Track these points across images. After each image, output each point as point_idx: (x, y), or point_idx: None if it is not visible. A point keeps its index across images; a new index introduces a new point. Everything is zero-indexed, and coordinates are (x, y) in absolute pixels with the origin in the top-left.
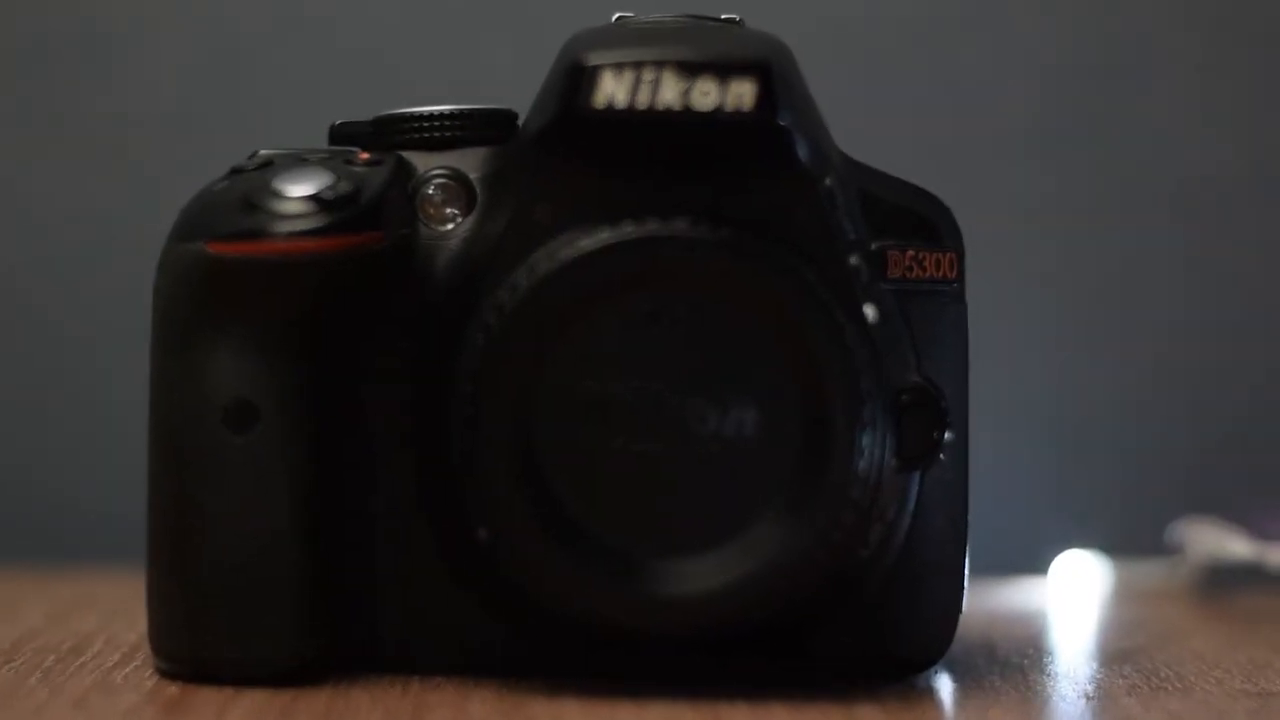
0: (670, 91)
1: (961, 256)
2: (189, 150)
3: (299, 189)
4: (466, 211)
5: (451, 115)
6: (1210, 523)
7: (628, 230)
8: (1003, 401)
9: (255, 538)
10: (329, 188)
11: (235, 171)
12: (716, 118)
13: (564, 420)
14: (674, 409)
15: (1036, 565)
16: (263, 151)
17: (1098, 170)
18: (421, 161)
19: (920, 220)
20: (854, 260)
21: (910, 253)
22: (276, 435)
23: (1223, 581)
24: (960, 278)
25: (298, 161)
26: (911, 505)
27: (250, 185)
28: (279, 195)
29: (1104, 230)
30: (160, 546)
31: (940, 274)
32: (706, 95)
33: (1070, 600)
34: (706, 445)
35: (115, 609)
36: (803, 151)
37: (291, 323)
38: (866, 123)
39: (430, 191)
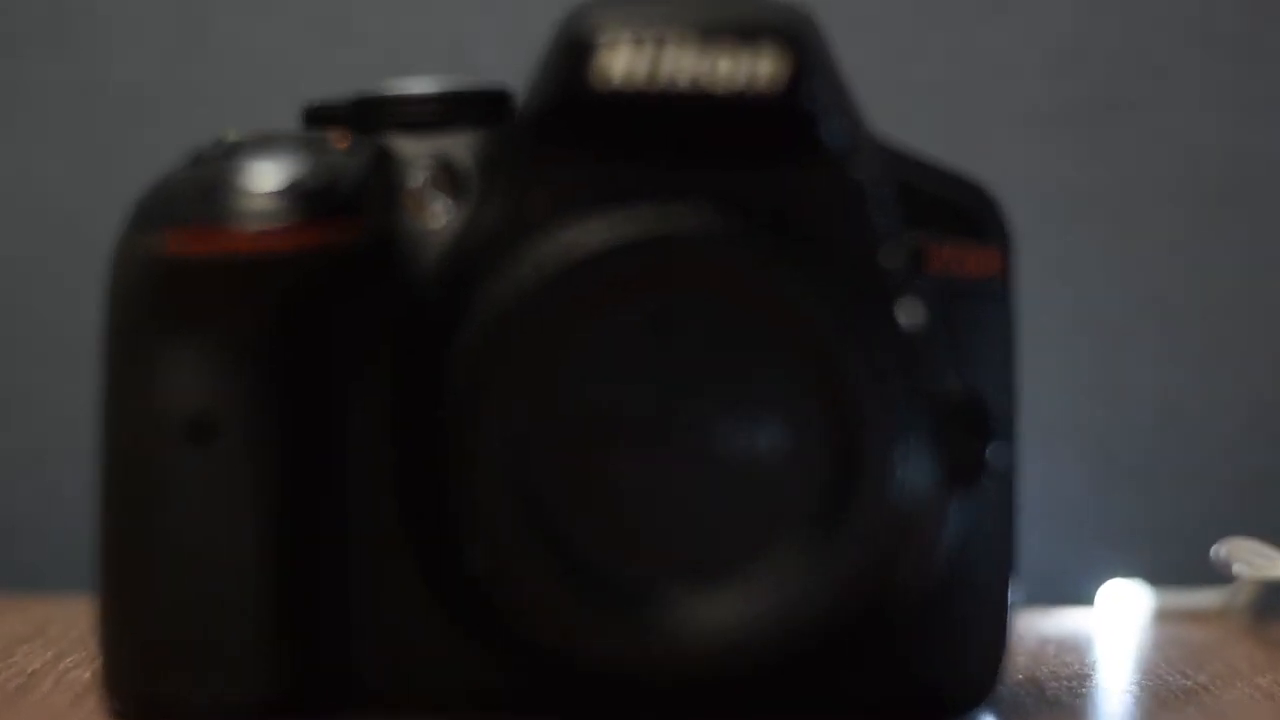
0: (685, 71)
1: (1010, 252)
2: (153, 131)
3: (269, 179)
4: (456, 203)
5: (440, 96)
6: (1256, 544)
7: (637, 226)
8: (1037, 418)
9: (217, 564)
10: (303, 177)
11: (198, 158)
12: (737, 99)
13: (567, 436)
14: (689, 424)
15: (1080, 594)
16: (229, 135)
17: (1146, 157)
18: (406, 147)
19: (962, 212)
20: (887, 257)
21: (951, 248)
22: (241, 451)
23: (1273, 605)
24: (1008, 276)
25: (268, 147)
26: (953, 530)
27: (214, 175)
28: (246, 187)
29: (1151, 227)
30: (112, 574)
31: (985, 272)
32: (726, 74)
33: (1119, 632)
34: (725, 465)
35: (67, 644)
36: (833, 135)
37: (259, 328)
38: (885, 103)
39: (416, 181)
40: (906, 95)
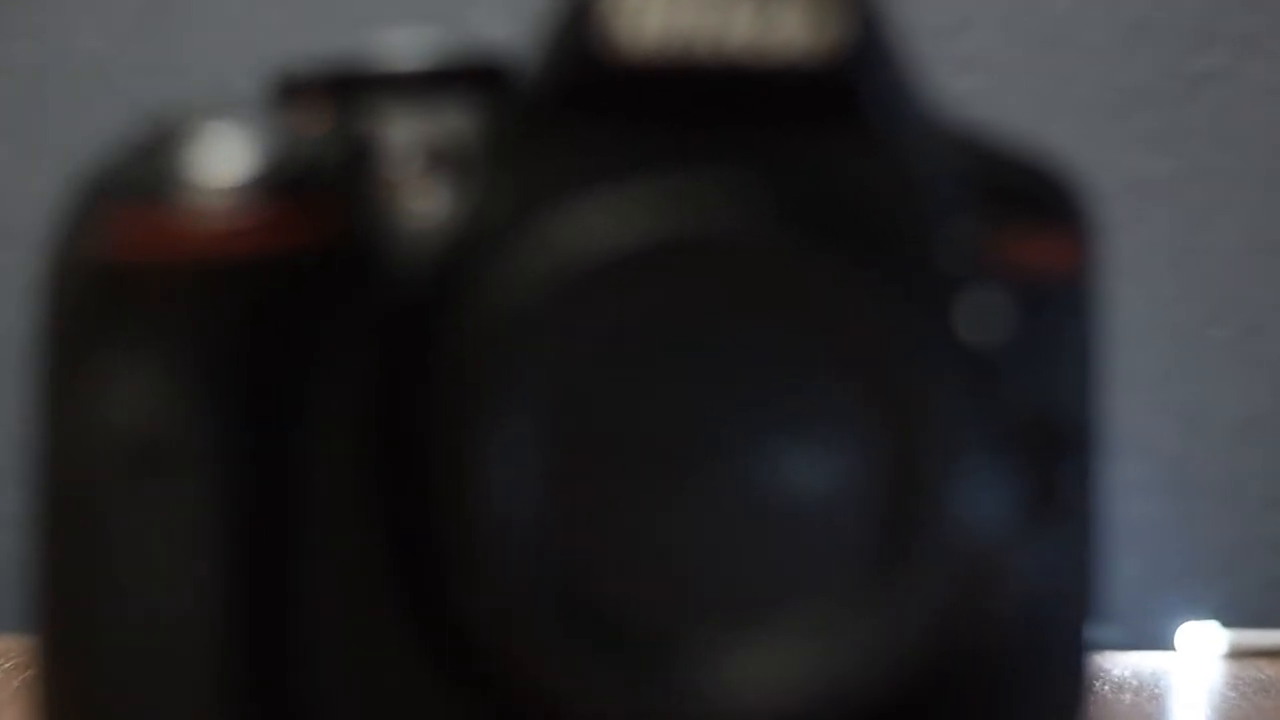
0: (717, 33)
1: (1091, 245)
2: (105, 104)
3: (232, 167)
4: (451, 192)
5: (431, 67)
6: None
7: (666, 219)
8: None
9: (169, 614)
10: (273, 164)
11: (144, 139)
12: (793, 68)
13: (581, 463)
14: (724, 451)
15: (1156, 636)
16: (182, 110)
17: (1225, 141)
18: (396, 125)
19: (1036, 199)
20: (949, 253)
21: (1023, 241)
22: (197, 485)
23: None
24: (1089, 272)
25: (228, 127)
26: (1027, 570)
27: (165, 162)
28: (205, 176)
29: (1230, 219)
30: (49, 625)
31: (1062, 268)
32: (764, 36)
33: (1202, 679)
34: (762, 497)
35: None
36: (892, 113)
37: (220, 344)
38: (940, 77)
39: (408, 165)
40: (963, 70)
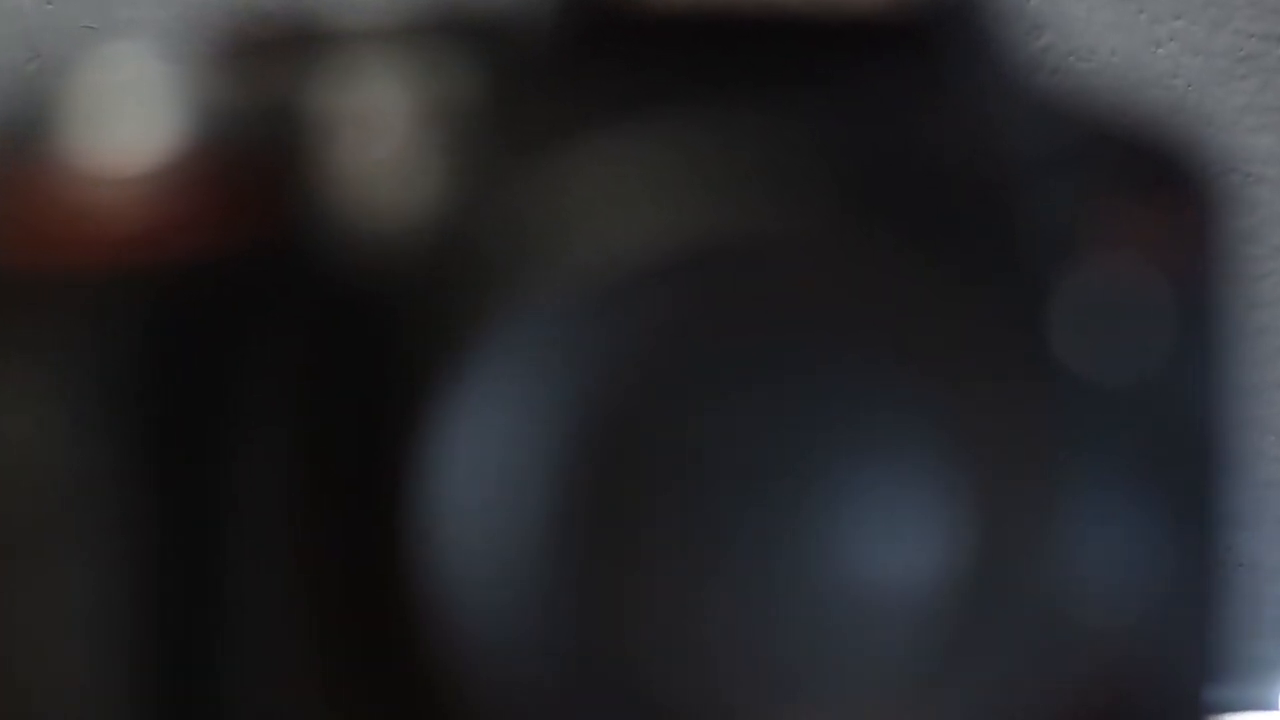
0: None
1: (1221, 224)
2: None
3: (124, 140)
4: (424, 175)
5: (402, 18)
6: None
7: (694, 212)
8: None
9: (51, 677)
10: (194, 141)
11: (24, 106)
12: (842, 15)
13: (595, 510)
14: (765, 493)
15: (1264, 698)
16: (81, 67)
17: None
18: (344, 92)
19: (1152, 170)
20: (1048, 246)
21: (1136, 222)
22: (85, 525)
23: None
24: (1217, 256)
25: (140, 92)
26: (1150, 623)
27: (30, 134)
28: (95, 159)
29: None
30: None
31: (1186, 252)
32: None
33: None
34: (816, 556)
35: None
36: (972, 69)
37: (116, 370)
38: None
39: (378, 140)
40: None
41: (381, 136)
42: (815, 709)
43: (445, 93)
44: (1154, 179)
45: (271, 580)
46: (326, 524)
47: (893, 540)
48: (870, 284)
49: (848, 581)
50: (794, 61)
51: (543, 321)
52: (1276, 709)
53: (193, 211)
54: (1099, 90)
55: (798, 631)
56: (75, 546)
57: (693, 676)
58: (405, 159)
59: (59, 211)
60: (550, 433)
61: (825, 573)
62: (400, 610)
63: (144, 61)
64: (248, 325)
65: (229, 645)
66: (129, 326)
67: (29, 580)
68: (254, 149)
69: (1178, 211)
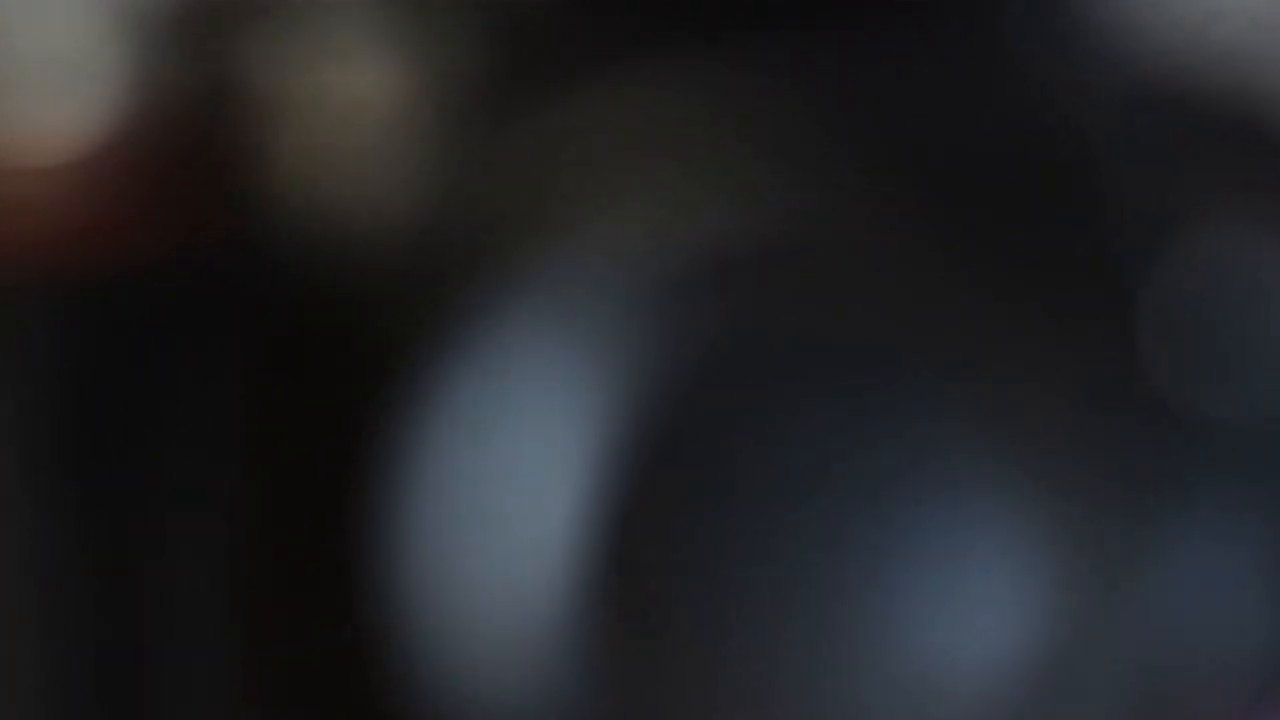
0: None
1: None
2: None
3: (61, 131)
4: (394, 163)
5: None
6: None
7: (732, 198)
8: None
9: None
10: (125, 130)
11: None
12: None
13: (611, 554)
14: (835, 569)
15: None
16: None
17: None
18: (307, 67)
19: (1260, 147)
20: (1139, 240)
21: (1242, 208)
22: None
23: None
24: None
25: (66, 71)
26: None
27: None
28: (15, 145)
29: None
30: None
31: None
32: None
33: None
34: (884, 621)
35: None
36: (1042, 31)
37: (27, 378)
38: None
39: (315, 123)
40: None
41: (351, 116)
42: None
43: (424, 66)
44: (1264, 157)
45: (204, 595)
46: (278, 533)
47: (963, 604)
48: (925, 291)
49: (909, 647)
50: (828, 14)
51: (537, 317)
52: None
53: (127, 204)
54: (1197, 52)
55: (850, 683)
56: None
57: None
58: (378, 141)
59: None
60: (550, 435)
61: (882, 630)
62: (359, 637)
63: (76, 31)
64: (185, 329)
65: (166, 657)
66: (50, 331)
67: None
68: (200, 131)
69: None
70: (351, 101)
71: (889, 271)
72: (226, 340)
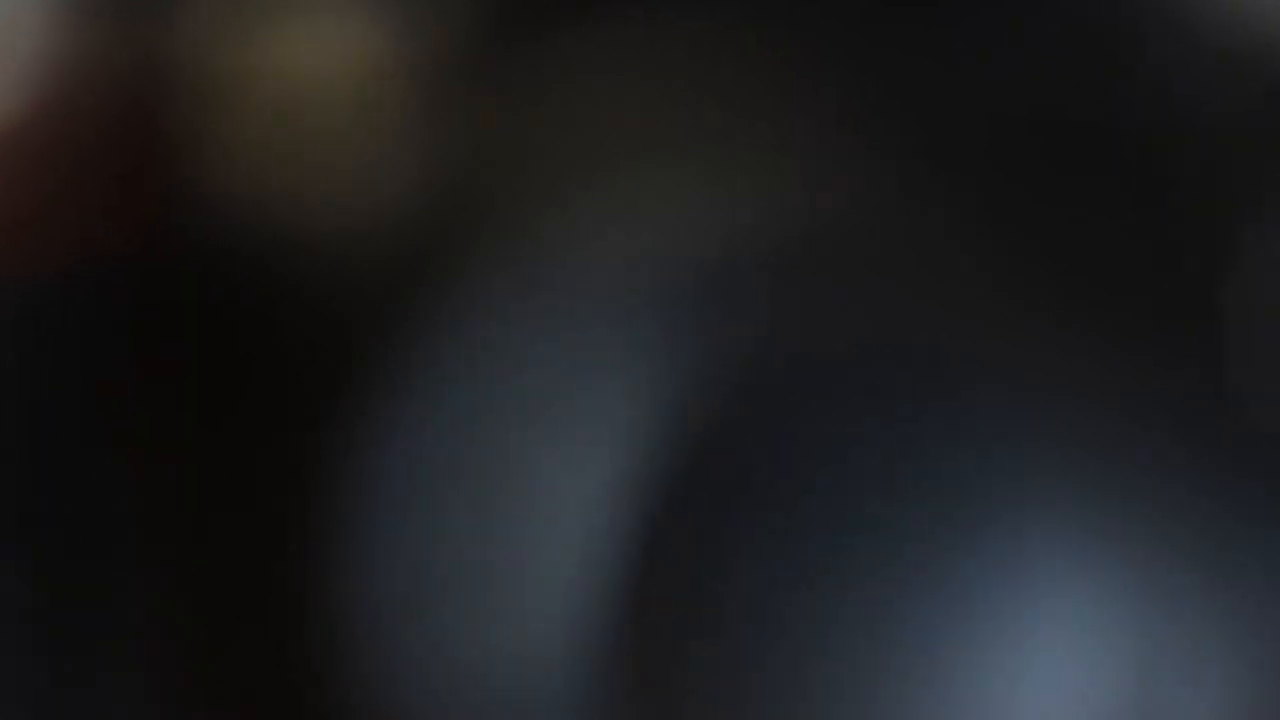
0: None
1: None
2: None
3: None
4: (382, 153)
5: None
6: None
7: (737, 208)
8: None
9: None
10: (48, 102)
11: None
12: None
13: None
14: (859, 606)
15: None
16: None
17: None
18: (285, 48)
19: None
20: (1240, 248)
21: None
22: None
23: None
24: None
25: None
26: None
27: None
28: None
29: None
30: None
31: None
32: None
33: None
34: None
35: None
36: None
37: None
38: None
39: (294, 111)
40: None
41: (313, 88)
42: None
43: (391, 41)
44: None
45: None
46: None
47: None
48: (984, 306)
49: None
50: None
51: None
52: None
53: (46, 192)
54: None
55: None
56: None
57: None
58: (345, 118)
59: None
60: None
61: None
62: (315, 644)
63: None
64: (126, 330)
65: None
66: None
67: None
68: (133, 109)
69: None
70: (314, 71)
71: (945, 279)
72: (174, 345)
